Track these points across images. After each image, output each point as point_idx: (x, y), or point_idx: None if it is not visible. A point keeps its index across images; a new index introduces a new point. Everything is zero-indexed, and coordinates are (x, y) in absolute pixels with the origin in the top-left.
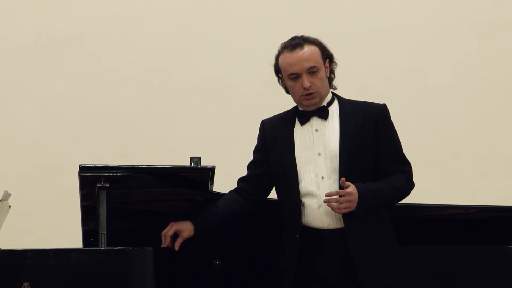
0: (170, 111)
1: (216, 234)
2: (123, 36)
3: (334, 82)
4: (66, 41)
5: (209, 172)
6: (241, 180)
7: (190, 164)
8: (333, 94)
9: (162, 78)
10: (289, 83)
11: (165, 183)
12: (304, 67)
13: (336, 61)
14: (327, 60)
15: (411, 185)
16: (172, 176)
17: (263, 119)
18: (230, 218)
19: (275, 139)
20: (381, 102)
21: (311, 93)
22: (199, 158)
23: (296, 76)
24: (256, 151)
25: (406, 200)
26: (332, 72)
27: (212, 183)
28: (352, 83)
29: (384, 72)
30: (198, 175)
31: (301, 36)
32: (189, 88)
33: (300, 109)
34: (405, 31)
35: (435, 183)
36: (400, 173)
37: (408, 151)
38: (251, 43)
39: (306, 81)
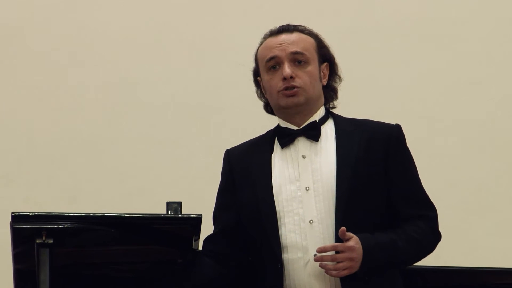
0: (139, 139)
1: None
2: (77, 34)
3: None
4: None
5: (194, 222)
6: (208, 241)
7: (167, 211)
8: (328, 111)
9: (128, 93)
10: (266, 77)
11: (131, 238)
12: (287, 51)
13: (341, 74)
14: (326, 64)
15: (437, 237)
16: (142, 228)
17: (228, 148)
18: None
19: (246, 170)
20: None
21: (293, 87)
22: (180, 204)
23: (274, 65)
24: (221, 193)
25: (466, 263)
26: (332, 88)
27: (197, 238)
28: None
29: (435, 82)
30: (179, 227)
31: (295, 25)
32: (166, 107)
33: (282, 125)
34: (470, 26)
35: None
36: (421, 220)
37: (473, 196)
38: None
39: (287, 68)
